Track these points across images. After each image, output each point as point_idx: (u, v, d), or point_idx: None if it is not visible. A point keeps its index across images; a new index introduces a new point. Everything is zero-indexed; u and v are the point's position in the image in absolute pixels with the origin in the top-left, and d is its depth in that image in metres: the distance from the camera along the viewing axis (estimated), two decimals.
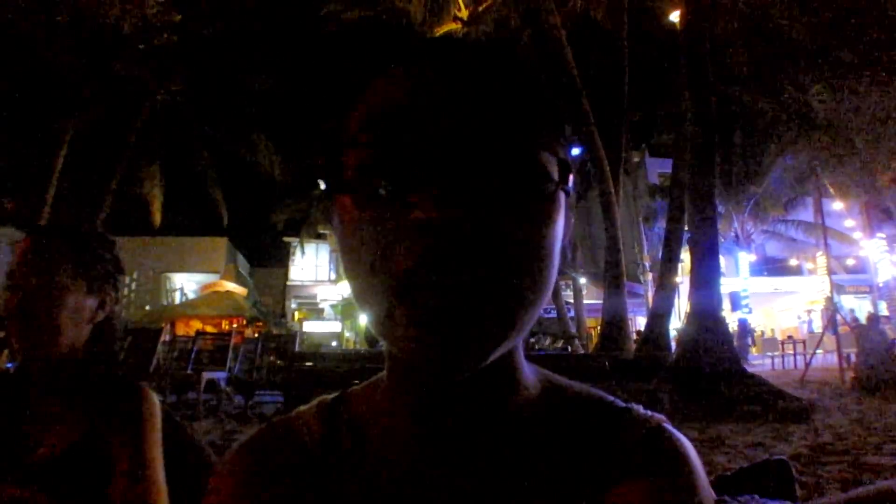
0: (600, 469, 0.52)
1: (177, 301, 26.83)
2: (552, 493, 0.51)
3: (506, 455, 0.53)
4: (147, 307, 25.41)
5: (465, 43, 0.51)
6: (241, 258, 32.23)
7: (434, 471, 0.53)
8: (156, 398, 1.23)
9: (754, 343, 25.72)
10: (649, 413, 0.57)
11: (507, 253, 0.45)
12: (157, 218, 22.50)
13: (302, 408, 0.62)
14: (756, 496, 0.86)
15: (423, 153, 0.45)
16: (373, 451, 0.56)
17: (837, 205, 25.40)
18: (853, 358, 12.92)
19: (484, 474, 0.52)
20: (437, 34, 18.67)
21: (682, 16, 11.52)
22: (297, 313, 31.20)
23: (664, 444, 0.54)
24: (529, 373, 0.57)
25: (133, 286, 26.66)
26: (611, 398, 0.58)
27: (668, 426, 0.56)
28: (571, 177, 0.50)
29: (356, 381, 0.64)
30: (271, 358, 10.95)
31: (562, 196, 0.50)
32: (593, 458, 0.53)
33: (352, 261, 0.48)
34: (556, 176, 0.48)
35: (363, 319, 0.53)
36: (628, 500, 0.50)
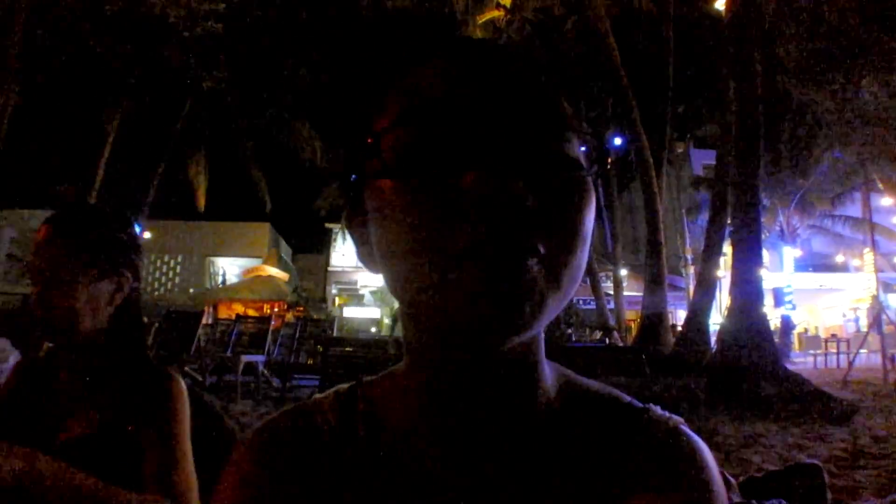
0: (616, 470, 0.52)
1: (220, 284, 27.27)
2: (568, 493, 0.52)
3: (522, 451, 0.53)
4: (191, 290, 25.88)
5: (496, 45, 0.54)
6: (283, 244, 32.59)
7: (448, 463, 0.54)
8: (182, 383, 1.24)
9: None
10: (666, 414, 0.57)
11: (554, 227, 0.48)
12: (202, 203, 22.94)
13: (318, 396, 0.63)
14: (784, 501, 0.85)
15: (470, 136, 0.47)
16: (388, 440, 0.57)
17: (886, 200, 24.63)
18: None
19: (499, 470, 0.53)
20: (480, 22, 18.59)
21: (727, 3, 11.29)
22: (337, 299, 31.44)
23: (680, 447, 0.54)
24: (548, 370, 0.58)
25: (178, 269, 27.21)
26: (628, 398, 0.59)
27: (685, 428, 0.56)
28: (598, 166, 0.53)
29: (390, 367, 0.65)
30: (310, 342, 11.08)
31: (590, 182, 0.52)
32: (609, 460, 0.53)
33: (398, 241, 0.48)
34: (584, 163, 0.51)
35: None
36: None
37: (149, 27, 15.55)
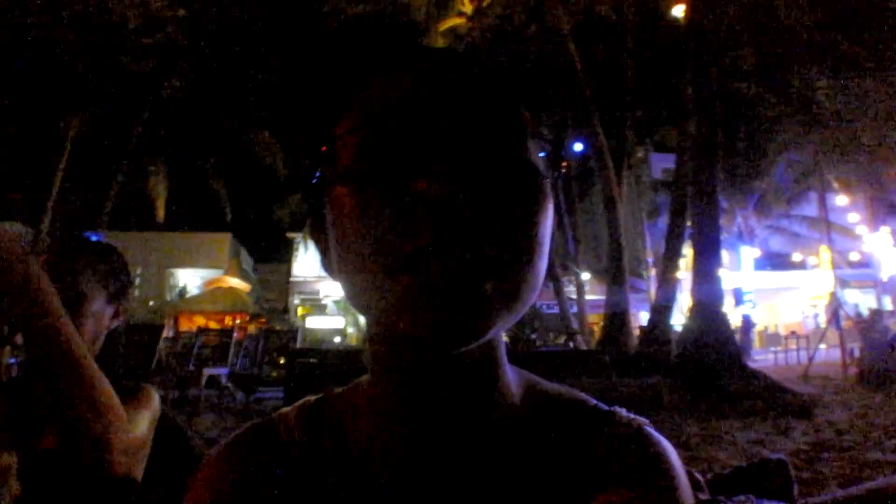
0: (582, 474, 0.52)
1: (180, 296, 26.87)
2: (534, 496, 0.51)
3: (488, 459, 0.53)
4: (151, 303, 25.44)
5: (453, 53, 0.55)
6: (244, 254, 32.22)
7: (416, 473, 0.53)
8: (156, 393, 1.27)
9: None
10: (631, 415, 0.57)
11: (509, 234, 0.47)
12: (162, 213, 22.60)
13: (284, 409, 0.62)
14: (752, 496, 0.85)
15: (424, 143, 0.46)
16: (354, 453, 0.56)
17: (841, 199, 25.31)
18: (856, 353, 12.90)
19: (466, 478, 0.52)
20: (442, 29, 18.65)
21: (686, 10, 11.50)
22: (300, 309, 31.17)
23: (645, 448, 0.54)
24: (512, 375, 0.57)
25: (137, 281, 26.67)
26: (594, 401, 0.59)
27: (650, 429, 0.56)
28: (556, 171, 0.52)
29: (355, 377, 0.64)
30: (273, 354, 10.97)
31: (549, 188, 0.51)
32: (575, 463, 0.53)
33: (351, 248, 0.48)
34: (542, 169, 0.50)
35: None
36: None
37: (107, 33, 15.29)
